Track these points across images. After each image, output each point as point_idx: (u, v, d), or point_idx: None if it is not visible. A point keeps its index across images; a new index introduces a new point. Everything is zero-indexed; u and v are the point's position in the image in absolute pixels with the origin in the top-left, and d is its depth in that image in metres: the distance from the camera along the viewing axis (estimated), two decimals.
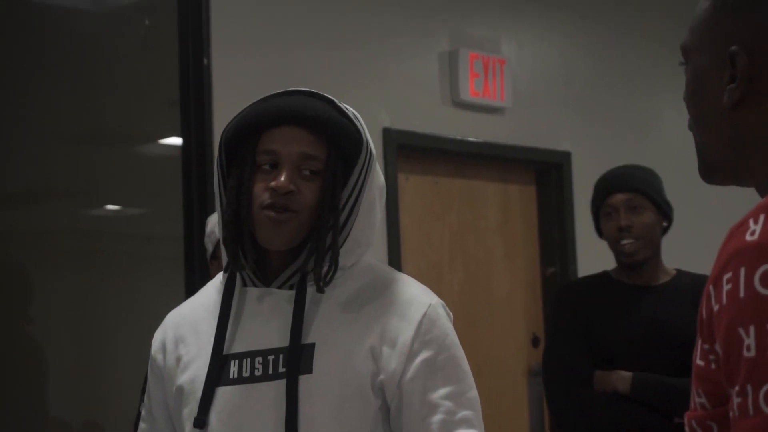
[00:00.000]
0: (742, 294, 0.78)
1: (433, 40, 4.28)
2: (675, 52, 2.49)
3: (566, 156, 4.51)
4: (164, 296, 3.90)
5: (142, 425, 1.78)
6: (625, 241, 2.82)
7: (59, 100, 4.38)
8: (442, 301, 1.64)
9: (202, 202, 3.66)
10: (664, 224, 2.95)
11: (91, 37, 4.34)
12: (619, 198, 2.85)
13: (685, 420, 0.94)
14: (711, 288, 0.83)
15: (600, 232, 2.98)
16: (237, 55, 3.76)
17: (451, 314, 1.65)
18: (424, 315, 1.60)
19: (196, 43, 3.68)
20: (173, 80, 3.69)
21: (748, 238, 0.80)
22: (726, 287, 0.81)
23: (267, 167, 1.56)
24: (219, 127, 3.49)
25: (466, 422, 1.57)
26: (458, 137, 4.22)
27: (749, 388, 0.77)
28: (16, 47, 4.22)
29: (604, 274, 3.02)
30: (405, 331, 1.59)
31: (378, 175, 1.68)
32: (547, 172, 4.65)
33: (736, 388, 0.79)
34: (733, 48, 0.87)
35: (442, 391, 1.59)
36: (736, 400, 0.79)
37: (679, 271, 3.00)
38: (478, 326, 4.25)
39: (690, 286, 2.92)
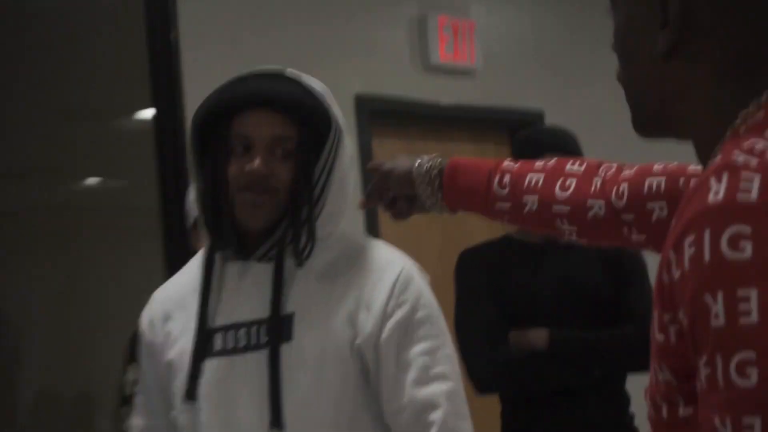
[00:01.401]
0: (707, 258, 0.74)
1: (402, 5, 4.29)
2: None
3: (539, 115, 4.53)
4: (144, 266, 3.91)
5: (138, 398, 1.88)
6: None
7: (31, 76, 4.38)
8: (416, 264, 1.72)
9: (177, 174, 3.61)
10: None
11: (61, 12, 4.26)
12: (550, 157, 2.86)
13: (647, 396, 0.91)
14: (671, 253, 0.79)
15: None
16: (205, 27, 3.75)
17: (427, 276, 1.73)
18: (398, 277, 1.68)
19: (163, 16, 3.68)
20: (143, 54, 3.70)
21: (711, 198, 0.76)
22: (689, 251, 0.77)
23: (241, 150, 1.64)
24: (190, 99, 3.46)
25: (441, 377, 1.67)
26: (431, 101, 4.24)
27: (719, 358, 0.76)
28: None
29: (506, 237, 3.01)
30: (380, 295, 1.68)
31: (347, 148, 1.76)
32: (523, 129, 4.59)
33: (704, 358, 0.77)
34: None
35: (417, 348, 1.68)
36: (704, 372, 0.77)
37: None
38: None
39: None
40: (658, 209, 1.32)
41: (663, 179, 1.35)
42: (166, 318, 1.86)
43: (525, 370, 2.84)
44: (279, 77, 1.75)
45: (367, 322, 1.72)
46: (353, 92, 3.98)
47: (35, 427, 4.49)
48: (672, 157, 1.34)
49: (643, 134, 0.93)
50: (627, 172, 1.41)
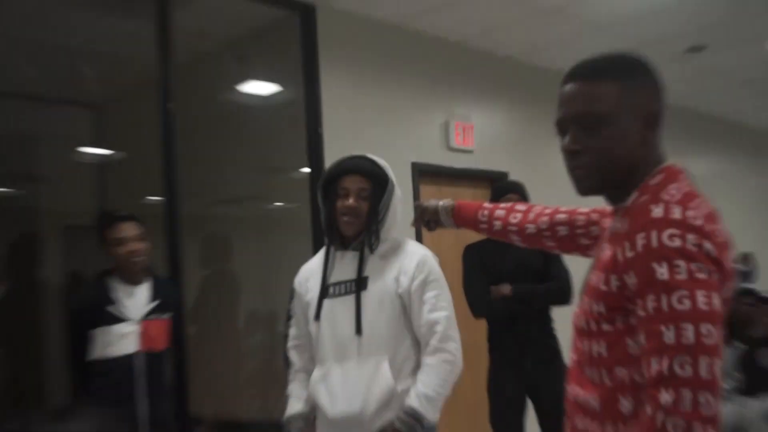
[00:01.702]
0: (655, 245, 1.14)
1: (436, 116, 5.32)
2: None
3: (505, 174, 5.55)
4: (301, 253, 4.27)
5: (292, 319, 2.57)
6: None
7: (245, 148, 5.32)
8: (431, 251, 2.36)
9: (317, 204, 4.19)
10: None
11: (264, 122, 5.38)
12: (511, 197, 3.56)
13: (576, 318, 1.37)
14: (626, 243, 1.20)
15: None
16: (338, 124, 4.70)
17: (437, 258, 2.36)
18: (420, 258, 2.31)
19: (314, 118, 4.62)
20: (304, 138, 4.63)
21: (654, 215, 1.18)
22: (641, 241, 1.16)
23: (342, 194, 2.28)
24: (328, 163, 3.59)
25: (442, 308, 2.27)
26: (450, 167, 5.37)
27: (663, 296, 1.11)
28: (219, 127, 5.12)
29: (488, 239, 3.36)
30: (410, 267, 2.30)
31: (397, 194, 2.33)
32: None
33: (651, 296, 1.15)
34: (647, 113, 1.31)
35: (429, 294, 2.28)
36: (650, 305, 1.15)
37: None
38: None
39: None
40: (563, 230, 1.73)
41: (566, 215, 1.73)
42: (306, 280, 2.45)
43: (498, 305, 3.59)
44: (363, 158, 2.32)
45: (404, 281, 2.29)
46: (410, 161, 5.03)
47: (247, 329, 5.40)
48: (573, 204, 1.75)
49: (586, 193, 1.36)
50: (547, 211, 1.79)
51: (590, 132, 1.31)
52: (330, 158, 4.55)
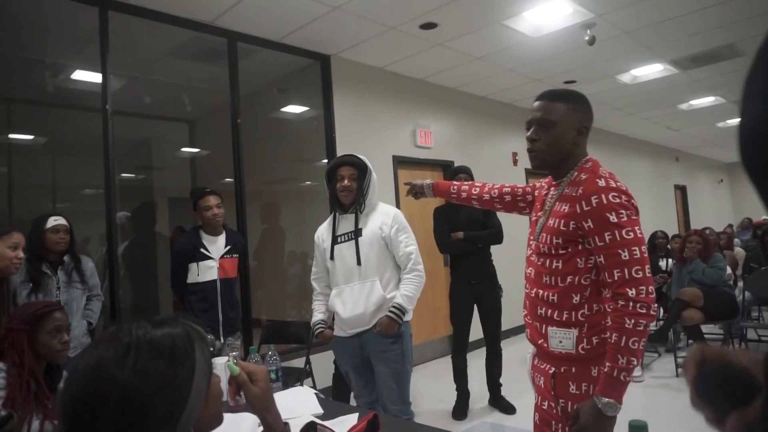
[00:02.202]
0: (605, 202, 1.21)
1: (409, 124, 5.47)
2: (514, 126, 6.12)
3: (452, 162, 5.72)
4: (322, 214, 3.85)
5: (314, 261, 2.55)
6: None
7: (288, 153, 5.54)
8: (398, 210, 2.41)
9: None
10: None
11: (297, 130, 5.41)
12: (461, 176, 3.56)
13: (536, 248, 1.34)
14: (583, 201, 1.25)
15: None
16: (344, 132, 4.83)
17: (403, 213, 2.41)
18: (394, 214, 2.37)
19: (330, 128, 4.77)
20: (323, 141, 4.79)
21: (601, 184, 1.23)
22: (595, 200, 1.23)
23: (339, 178, 2.34)
24: (340, 152, 3.93)
25: (411, 245, 2.36)
26: (417, 158, 5.47)
27: (616, 231, 1.18)
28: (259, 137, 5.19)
29: (449, 203, 3.54)
30: (388, 220, 2.35)
31: (374, 176, 2.34)
32: (447, 169, 5.59)
33: (607, 233, 1.20)
34: (584, 125, 1.35)
35: (402, 236, 2.35)
36: (608, 238, 1.21)
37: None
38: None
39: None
40: (507, 198, 1.70)
41: (509, 188, 1.71)
42: (322, 234, 2.49)
43: (456, 245, 3.59)
44: (351, 155, 2.39)
45: (385, 229, 2.34)
46: (392, 154, 5.17)
47: (288, 263, 5.36)
48: (497, 180, 1.76)
49: (536, 168, 1.35)
50: (496, 186, 1.76)
51: (544, 130, 1.38)
52: (341, 153, 4.55)
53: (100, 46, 3.58)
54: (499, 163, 6.66)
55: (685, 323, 4.34)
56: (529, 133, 1.40)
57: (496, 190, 1.74)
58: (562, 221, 1.30)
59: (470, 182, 1.86)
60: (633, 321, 1.21)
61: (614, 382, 1.25)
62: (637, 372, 4.47)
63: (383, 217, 2.33)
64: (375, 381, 2.35)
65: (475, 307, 3.69)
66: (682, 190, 12.77)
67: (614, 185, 1.26)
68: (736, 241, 8.13)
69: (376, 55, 4.85)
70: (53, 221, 2.77)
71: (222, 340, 3.12)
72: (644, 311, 1.21)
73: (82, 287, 2.88)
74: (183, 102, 5.06)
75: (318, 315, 2.45)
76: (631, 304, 1.21)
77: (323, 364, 3.92)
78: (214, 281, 3.12)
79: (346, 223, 2.36)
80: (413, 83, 5.57)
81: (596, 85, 6.50)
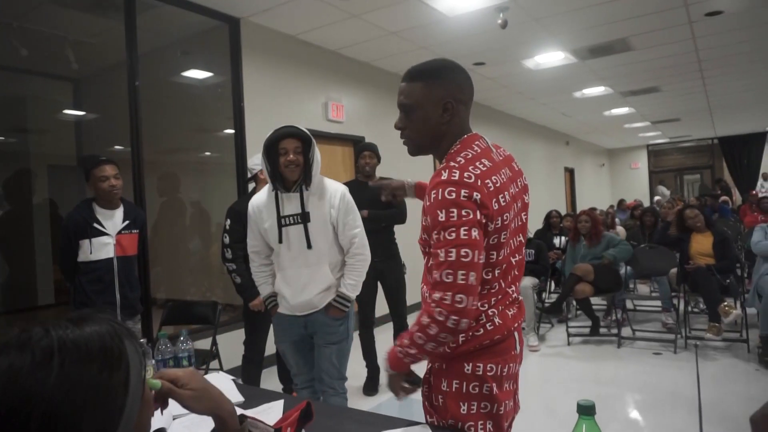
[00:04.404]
0: (440, 198, 1.15)
1: (321, 96, 5.39)
2: None
3: (363, 138, 5.72)
4: (227, 187, 4.64)
5: (249, 235, 2.39)
6: (367, 167, 3.66)
7: (189, 122, 5.24)
8: (345, 187, 2.34)
9: (241, 159, 4.54)
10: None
11: (200, 97, 5.19)
12: (366, 153, 3.69)
13: (419, 242, 1.28)
14: (426, 197, 1.20)
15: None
16: (253, 101, 4.68)
17: (347, 192, 2.33)
18: (341, 194, 2.30)
19: (239, 97, 4.61)
20: (230, 110, 4.62)
21: (442, 177, 1.16)
22: (433, 196, 1.17)
23: (284, 152, 2.20)
24: (249, 129, 4.44)
25: (357, 227, 2.32)
26: (328, 132, 5.43)
27: (442, 231, 1.14)
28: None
29: (356, 179, 3.67)
30: (336, 201, 2.29)
31: (317, 151, 2.29)
32: (358, 144, 4.80)
33: (434, 232, 1.16)
34: (449, 101, 1.24)
35: (350, 218, 2.31)
36: (435, 237, 1.16)
37: (381, 177, 3.67)
38: None
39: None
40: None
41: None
42: (260, 211, 2.34)
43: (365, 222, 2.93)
44: (293, 126, 2.26)
45: (333, 212, 2.28)
46: (303, 128, 4.53)
47: (188, 238, 5.21)
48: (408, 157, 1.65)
49: (413, 155, 1.33)
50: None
51: (407, 116, 1.31)
52: (249, 124, 4.61)
53: None
54: None
55: (577, 296, 4.69)
56: (396, 121, 1.34)
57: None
58: (423, 217, 1.26)
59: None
60: (428, 321, 1.20)
61: (392, 350, 1.32)
62: (533, 341, 4.74)
63: (331, 198, 2.26)
64: (314, 358, 2.36)
65: (379, 284, 3.72)
66: (570, 173, 13.83)
67: (456, 178, 1.16)
68: (617, 220, 8.97)
69: (290, 21, 4.72)
70: None
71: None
72: (441, 318, 1.17)
73: None
74: (67, 58, 4.54)
75: (267, 288, 2.40)
76: (432, 307, 1.19)
77: (230, 344, 3.88)
78: (110, 259, 2.96)
79: (291, 204, 2.27)
80: (326, 54, 5.51)
81: (503, 68, 6.77)
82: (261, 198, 2.37)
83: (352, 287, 2.29)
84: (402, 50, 5.66)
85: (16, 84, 4.74)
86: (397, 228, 3.86)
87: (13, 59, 4.37)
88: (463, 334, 1.23)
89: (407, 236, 4.36)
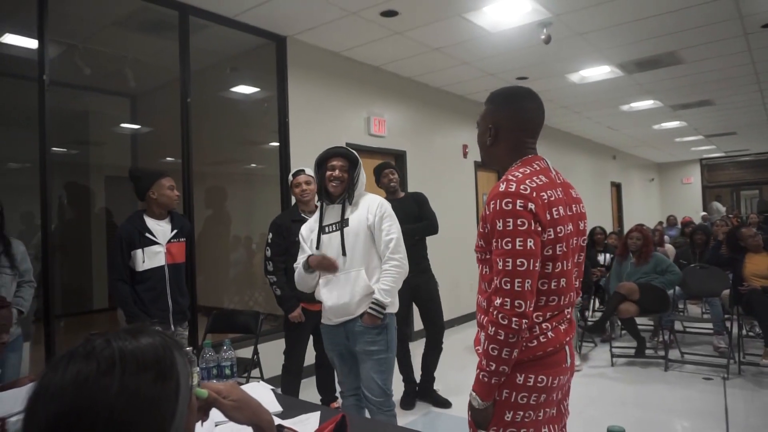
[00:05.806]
0: (498, 208, 1.21)
1: (361, 112, 5.40)
2: (466, 119, 6.35)
3: (405, 153, 5.87)
4: (270, 198, 4.68)
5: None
6: (392, 183, 3.65)
7: (236, 134, 5.41)
8: (384, 199, 2.42)
9: (285, 171, 4.52)
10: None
11: (247, 111, 5.31)
12: (387, 171, 3.68)
13: (476, 249, 1.34)
14: (486, 207, 1.25)
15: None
16: (297, 116, 4.71)
17: (388, 203, 2.42)
18: (379, 201, 2.39)
19: (284, 112, 4.67)
20: (275, 124, 4.68)
21: (501, 189, 1.22)
22: (492, 205, 1.23)
23: (330, 168, 2.37)
24: (293, 142, 4.53)
25: (393, 233, 2.36)
26: (370, 146, 5.43)
27: (500, 240, 1.21)
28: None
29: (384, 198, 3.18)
30: (374, 207, 2.36)
31: (363, 171, 2.40)
32: (400, 158, 5.82)
33: (494, 240, 1.22)
34: (490, 125, 1.35)
35: (385, 225, 2.36)
36: (494, 244, 1.22)
37: (406, 192, 3.80)
38: None
39: (411, 197, 3.71)
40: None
41: None
42: (309, 225, 2.49)
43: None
44: (342, 147, 2.44)
45: (371, 217, 2.35)
46: (345, 142, 4.98)
47: (233, 249, 5.34)
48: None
49: (485, 166, 2.21)
50: None
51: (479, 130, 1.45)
52: (293, 137, 4.69)
53: (38, 9, 3.33)
54: (449, 154, 6.74)
55: (621, 316, 4.56)
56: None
57: None
58: (482, 224, 1.32)
59: None
60: (494, 329, 1.24)
61: (476, 379, 1.30)
62: (575, 361, 4.64)
63: (369, 205, 2.33)
64: (358, 370, 2.39)
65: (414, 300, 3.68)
66: (617, 187, 13.43)
67: (512, 190, 1.23)
68: (666, 237, 8.64)
69: (334, 39, 4.79)
70: None
71: (173, 329, 3.04)
72: (505, 322, 1.23)
73: (12, 273, 2.72)
74: (126, 76, 4.81)
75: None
76: (494, 313, 1.24)
77: (270, 354, 3.90)
78: (161, 267, 3.01)
79: (333, 214, 2.37)
80: (369, 70, 5.52)
81: (547, 83, 6.70)
82: (312, 217, 2.52)
83: (386, 292, 2.28)
84: (445, 65, 5.66)
85: (79, 100, 5.05)
86: (429, 245, 3.83)
87: (77, 77, 4.65)
88: None
89: (437, 253, 4.33)
